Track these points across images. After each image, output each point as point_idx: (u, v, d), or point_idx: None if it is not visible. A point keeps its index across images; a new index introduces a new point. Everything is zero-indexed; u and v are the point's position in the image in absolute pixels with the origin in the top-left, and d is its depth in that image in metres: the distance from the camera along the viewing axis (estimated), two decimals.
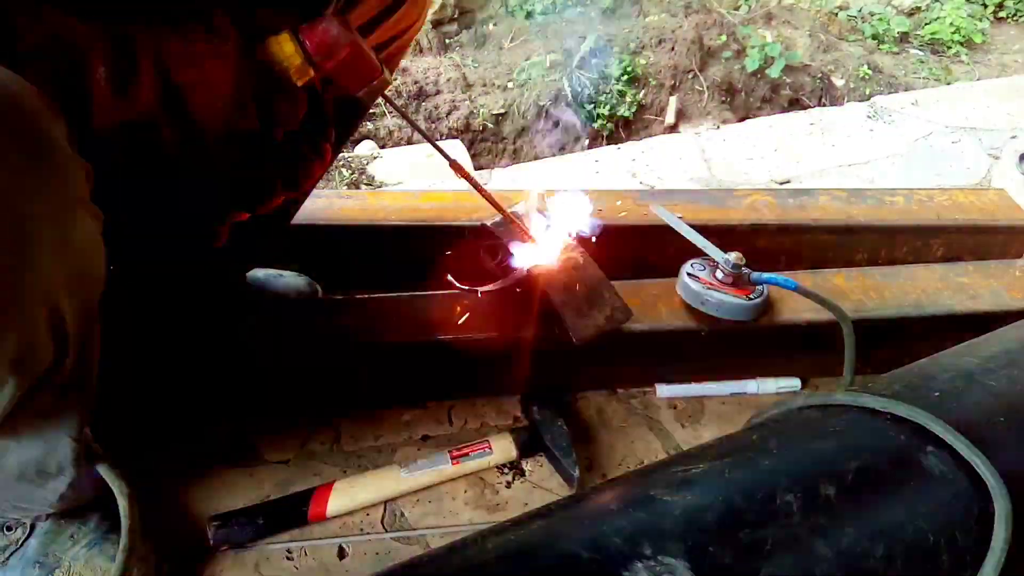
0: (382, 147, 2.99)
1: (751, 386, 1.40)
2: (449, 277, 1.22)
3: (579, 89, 3.40)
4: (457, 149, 2.81)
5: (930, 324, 1.36)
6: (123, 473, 0.93)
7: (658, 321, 1.30)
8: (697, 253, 1.32)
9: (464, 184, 1.00)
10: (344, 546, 1.12)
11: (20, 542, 0.96)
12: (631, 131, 3.53)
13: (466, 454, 1.21)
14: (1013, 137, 2.41)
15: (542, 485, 1.23)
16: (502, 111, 3.39)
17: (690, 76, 3.59)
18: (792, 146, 2.43)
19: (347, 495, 1.15)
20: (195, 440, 1.25)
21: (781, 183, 2.25)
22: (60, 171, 0.59)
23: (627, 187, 2.20)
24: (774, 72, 3.56)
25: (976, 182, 2.24)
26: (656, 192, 1.93)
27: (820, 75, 3.67)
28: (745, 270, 1.27)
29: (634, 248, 1.52)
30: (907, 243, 1.62)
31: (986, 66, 4.05)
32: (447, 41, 3.80)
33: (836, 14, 4.19)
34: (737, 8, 4.02)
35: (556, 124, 3.30)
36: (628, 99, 3.50)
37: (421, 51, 3.72)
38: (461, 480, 1.22)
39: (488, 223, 1.23)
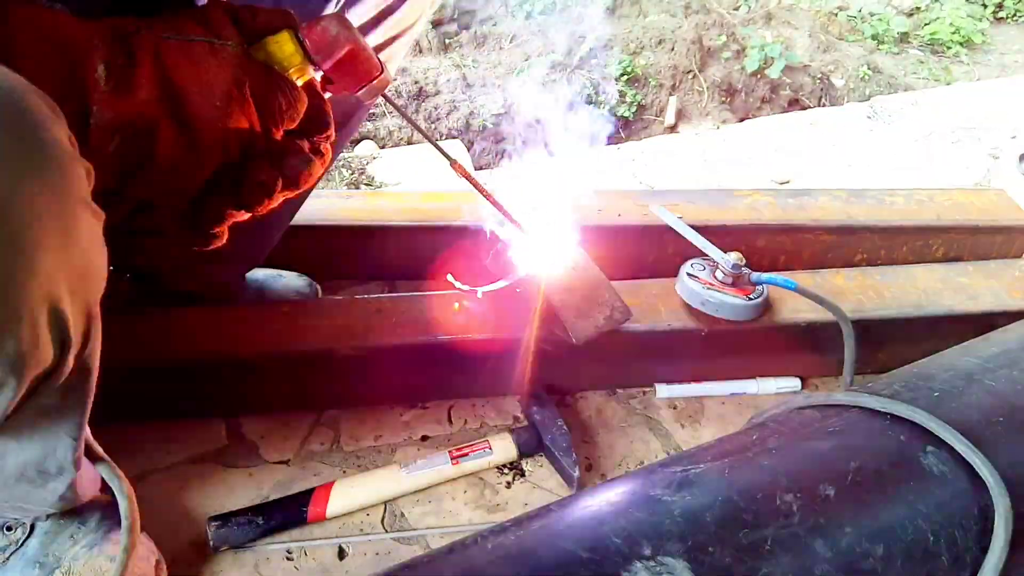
0: (382, 147, 2.99)
1: (751, 386, 1.40)
2: (449, 277, 1.22)
3: (578, 89, 3.40)
4: (457, 149, 2.81)
5: (930, 324, 1.37)
6: (123, 473, 0.93)
7: (658, 321, 1.30)
8: (697, 253, 1.32)
9: (464, 184, 1.00)
10: (344, 546, 1.13)
11: (20, 542, 0.96)
12: (631, 131, 3.53)
13: (466, 454, 1.21)
14: (1013, 137, 2.41)
15: (542, 485, 1.23)
16: (502, 111, 3.39)
17: (690, 76, 3.59)
18: (792, 146, 2.43)
19: (347, 495, 1.15)
20: (194, 440, 1.25)
21: (781, 183, 2.25)
22: (60, 170, 0.59)
23: (627, 187, 2.20)
24: (774, 72, 3.56)
25: (976, 182, 2.24)
26: (656, 192, 1.93)
27: (820, 75, 3.67)
28: (745, 270, 1.27)
29: (634, 248, 1.52)
30: (907, 243, 1.62)
31: (986, 66, 4.05)
32: (447, 41, 3.80)
33: (836, 14, 4.19)
34: (737, 8, 4.02)
35: (555, 125, 3.29)
36: (628, 99, 3.50)
37: (421, 51, 3.72)
38: (461, 480, 1.22)
39: (488, 223, 1.23)
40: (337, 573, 1.09)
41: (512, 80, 3.51)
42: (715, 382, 1.40)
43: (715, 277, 1.29)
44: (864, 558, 0.74)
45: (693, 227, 1.34)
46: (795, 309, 1.33)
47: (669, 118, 3.53)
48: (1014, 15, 4.51)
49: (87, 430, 0.85)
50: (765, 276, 1.27)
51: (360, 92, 0.81)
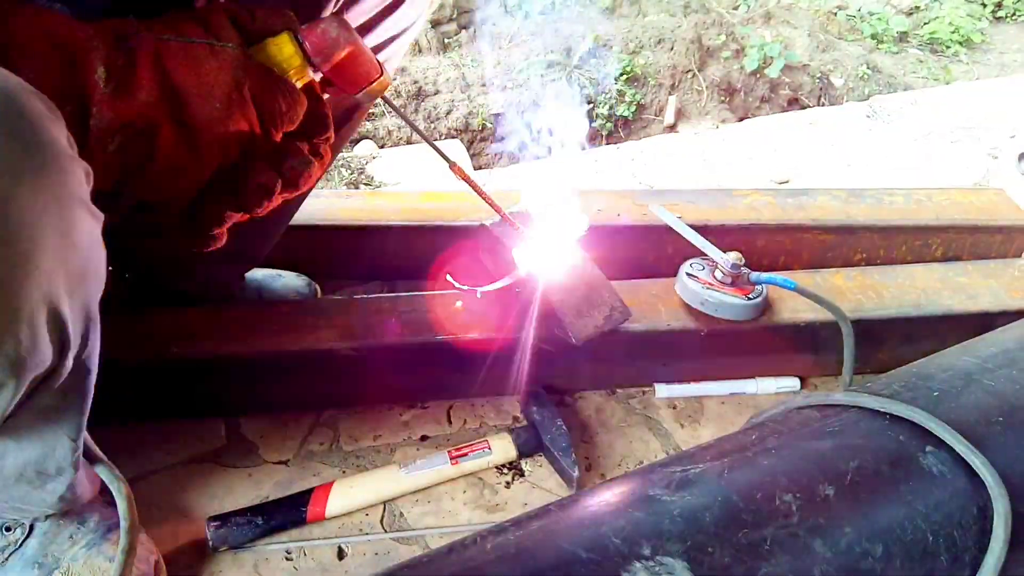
0: (381, 147, 3.00)
1: (750, 386, 1.40)
2: (449, 277, 1.22)
3: (578, 88, 3.40)
4: (456, 149, 2.81)
5: (929, 324, 1.37)
6: (122, 474, 0.93)
7: (657, 321, 1.30)
8: (696, 253, 1.32)
9: (464, 184, 1.00)
10: (343, 546, 1.13)
11: (19, 543, 0.96)
12: (630, 131, 3.53)
13: (465, 454, 1.21)
14: (1012, 137, 2.41)
15: (541, 485, 1.23)
16: (501, 111, 3.39)
17: (689, 76, 3.59)
18: (791, 146, 2.43)
19: (346, 495, 1.15)
20: (193, 440, 1.25)
21: (780, 183, 2.25)
22: (60, 171, 0.59)
23: (626, 187, 2.21)
24: (773, 72, 3.56)
25: (975, 182, 2.24)
26: (655, 192, 1.93)
27: (819, 75, 3.68)
28: (744, 270, 1.27)
29: (633, 248, 1.53)
30: (906, 243, 1.62)
31: (985, 66, 4.05)
32: (446, 41, 3.80)
33: (835, 13, 4.19)
34: (736, 8, 4.03)
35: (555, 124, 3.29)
36: (627, 99, 3.50)
37: (420, 51, 3.72)
38: (460, 480, 1.22)
39: (487, 223, 1.23)
40: (336, 573, 1.09)
41: (511, 80, 3.51)
42: (714, 382, 1.40)
43: (714, 277, 1.29)
44: (863, 558, 0.74)
45: (692, 227, 1.34)
46: (794, 309, 1.33)
47: (668, 117, 3.54)
48: (1013, 14, 4.51)
49: (86, 431, 0.85)
50: (764, 276, 1.27)
51: (359, 94, 0.81)
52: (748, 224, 1.55)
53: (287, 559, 1.10)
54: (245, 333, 1.25)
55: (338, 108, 0.85)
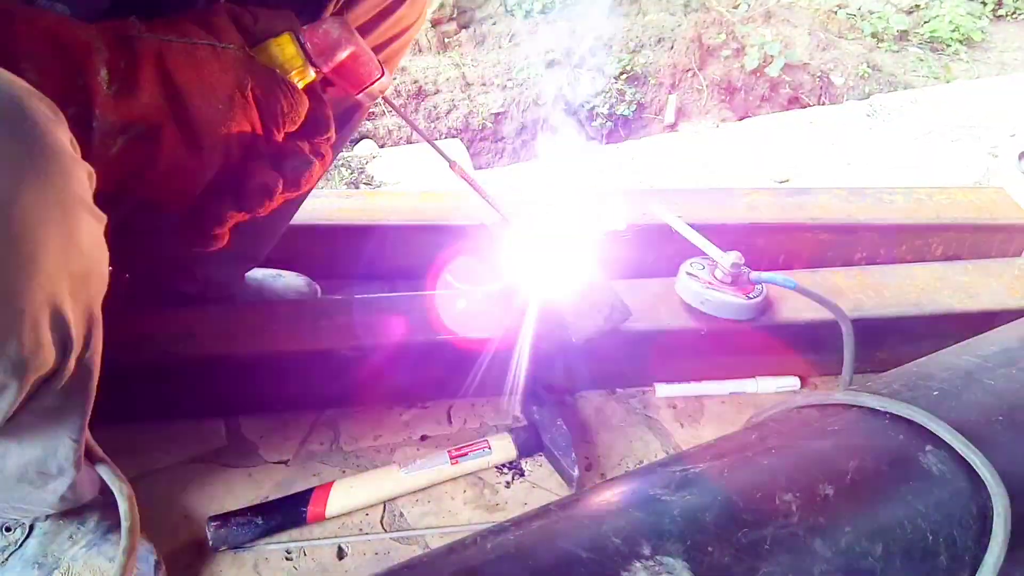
0: (381, 147, 3.00)
1: (750, 385, 1.40)
2: (449, 277, 1.22)
3: (578, 88, 3.40)
4: (456, 148, 2.81)
5: (929, 323, 1.37)
6: (123, 473, 0.93)
7: (657, 320, 1.30)
8: (696, 252, 1.32)
9: (464, 184, 1.00)
10: (343, 546, 1.13)
11: (19, 542, 0.96)
12: (630, 130, 3.53)
13: (465, 454, 1.21)
14: (1012, 136, 2.41)
15: (541, 485, 1.23)
16: (501, 110, 3.39)
17: (689, 75, 3.59)
18: (791, 145, 2.43)
19: (346, 495, 1.15)
20: (193, 440, 1.25)
21: (780, 182, 2.25)
22: (62, 173, 0.59)
23: (626, 186, 2.21)
24: (773, 70, 3.56)
25: (975, 181, 2.24)
26: (655, 191, 1.93)
27: (819, 73, 3.68)
28: (744, 269, 1.27)
29: (633, 247, 1.53)
30: (906, 242, 1.62)
31: (985, 64, 4.05)
32: (446, 40, 3.80)
33: (835, 12, 4.19)
34: (736, 6, 4.02)
35: (555, 123, 3.30)
36: (627, 98, 3.50)
37: (420, 50, 3.72)
38: (460, 480, 1.22)
39: (488, 223, 1.24)
40: (336, 573, 1.09)
41: (511, 79, 3.51)
42: (714, 381, 1.40)
43: (714, 276, 1.29)
44: (863, 557, 0.74)
45: (692, 226, 1.34)
46: (794, 308, 1.33)
47: (669, 116, 3.54)
48: (1013, 13, 4.51)
49: (87, 431, 0.85)
50: (764, 275, 1.27)
51: (360, 94, 0.82)
52: (748, 223, 1.55)
53: (287, 559, 1.10)
54: (245, 333, 1.25)
55: (338, 108, 0.85)
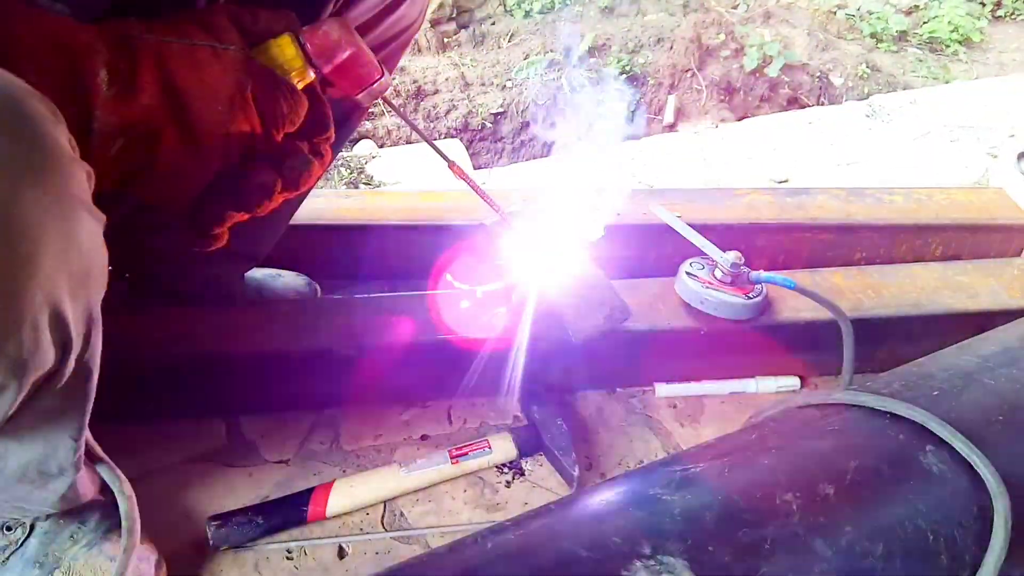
0: (381, 146, 3.00)
1: (750, 385, 1.40)
2: (449, 277, 1.22)
3: (578, 88, 3.40)
4: (455, 148, 2.81)
5: (929, 323, 1.37)
6: (123, 473, 0.93)
7: (657, 320, 1.30)
8: (696, 252, 1.32)
9: (463, 183, 1.00)
10: (344, 546, 1.13)
11: (20, 542, 0.96)
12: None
13: (465, 453, 1.21)
14: (1011, 136, 2.41)
15: (542, 484, 1.23)
16: (500, 110, 3.39)
17: (688, 75, 3.59)
18: (791, 145, 2.43)
19: (347, 495, 1.15)
20: (194, 439, 1.25)
21: (780, 182, 2.25)
22: (61, 173, 0.59)
23: (626, 186, 2.20)
24: (772, 71, 3.56)
25: (975, 181, 2.24)
26: (655, 191, 1.93)
27: (818, 74, 3.68)
28: (744, 269, 1.27)
29: (633, 247, 1.53)
30: (906, 242, 1.62)
31: (984, 65, 4.05)
32: (445, 40, 3.80)
33: (834, 13, 4.19)
34: (735, 7, 4.02)
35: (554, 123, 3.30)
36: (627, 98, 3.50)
37: (419, 50, 3.72)
38: (461, 479, 1.22)
39: (488, 223, 1.23)
40: (337, 572, 1.09)
41: (511, 79, 3.51)
42: (714, 381, 1.40)
43: (714, 276, 1.29)
44: (864, 557, 0.74)
45: (692, 226, 1.34)
46: (794, 308, 1.33)
47: (668, 117, 3.54)
48: (1012, 13, 4.51)
49: (87, 431, 0.85)
50: (764, 275, 1.27)
51: (360, 95, 0.82)
52: (748, 223, 1.55)
53: (288, 558, 1.10)
54: (245, 333, 1.25)
55: (337, 108, 0.85)
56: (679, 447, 1.31)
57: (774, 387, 1.41)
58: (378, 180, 2.35)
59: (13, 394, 0.64)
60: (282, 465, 1.23)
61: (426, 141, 0.98)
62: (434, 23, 3.79)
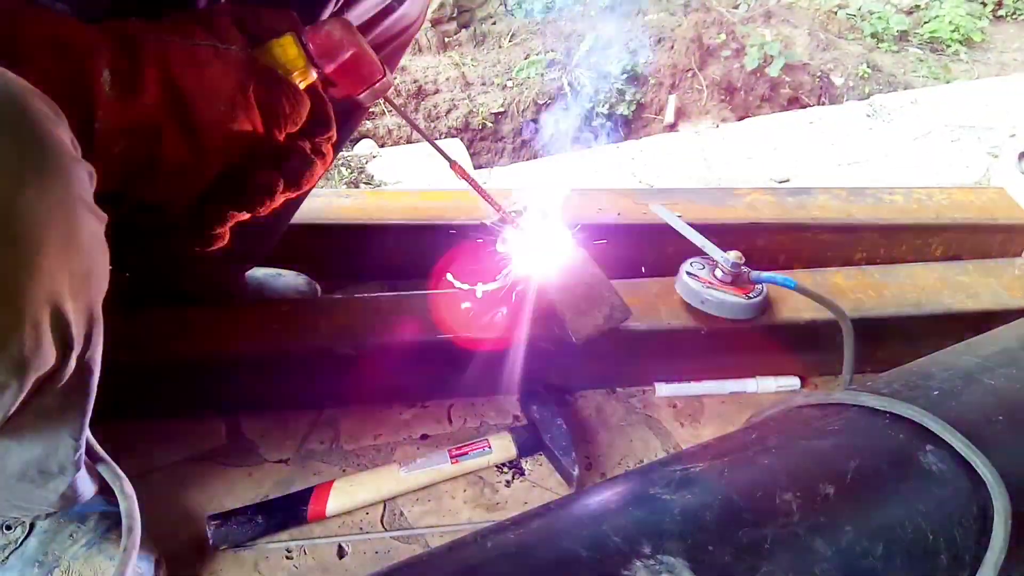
0: (381, 146, 3.00)
1: (750, 385, 1.40)
2: (449, 276, 1.22)
3: (578, 88, 3.40)
4: (456, 148, 2.81)
5: (929, 323, 1.37)
6: (124, 473, 0.93)
7: (657, 320, 1.30)
8: (696, 252, 1.32)
9: (464, 183, 1.00)
10: (343, 545, 1.13)
11: (19, 541, 0.96)
12: (630, 130, 3.53)
13: (465, 453, 1.21)
14: (1012, 136, 2.41)
15: (541, 484, 1.23)
16: (501, 110, 3.39)
17: (689, 75, 3.59)
18: (791, 145, 2.43)
19: (346, 494, 1.15)
20: (194, 439, 1.25)
21: (780, 182, 2.25)
22: (63, 173, 0.59)
23: (626, 186, 2.20)
24: (773, 71, 3.56)
25: (975, 181, 2.24)
26: (655, 191, 1.93)
27: (819, 74, 3.68)
28: (744, 269, 1.27)
29: (633, 247, 1.53)
30: (906, 242, 1.62)
31: (985, 64, 4.05)
32: (446, 40, 3.80)
33: (835, 12, 4.19)
34: (736, 7, 4.02)
35: (554, 123, 3.31)
36: (627, 98, 3.50)
37: (420, 50, 3.72)
38: (460, 479, 1.22)
39: (488, 222, 1.23)
40: (337, 572, 1.09)
41: (511, 79, 3.50)
42: (715, 381, 1.40)
43: (715, 276, 1.29)
44: (864, 557, 0.74)
45: (692, 226, 1.34)
46: (795, 308, 1.33)
47: (669, 116, 3.54)
48: (1013, 13, 4.51)
49: (88, 430, 0.85)
50: (764, 275, 1.27)
51: (362, 95, 0.82)
52: (748, 223, 1.55)
53: (287, 557, 1.10)
54: (245, 332, 1.25)
55: (339, 107, 0.85)
56: (679, 447, 1.31)
57: (774, 387, 1.41)
58: (379, 179, 2.35)
59: (14, 393, 0.64)
60: (282, 464, 1.23)
61: (428, 141, 0.98)
62: (435, 22, 3.79)
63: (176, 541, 1.10)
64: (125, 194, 0.71)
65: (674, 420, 1.36)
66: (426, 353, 1.27)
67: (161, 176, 0.70)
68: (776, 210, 1.59)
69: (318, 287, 1.50)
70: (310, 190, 1.25)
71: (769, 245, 1.57)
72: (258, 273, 1.44)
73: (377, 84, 0.81)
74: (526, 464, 1.26)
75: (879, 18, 4.16)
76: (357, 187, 2.33)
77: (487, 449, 1.22)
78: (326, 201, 1.56)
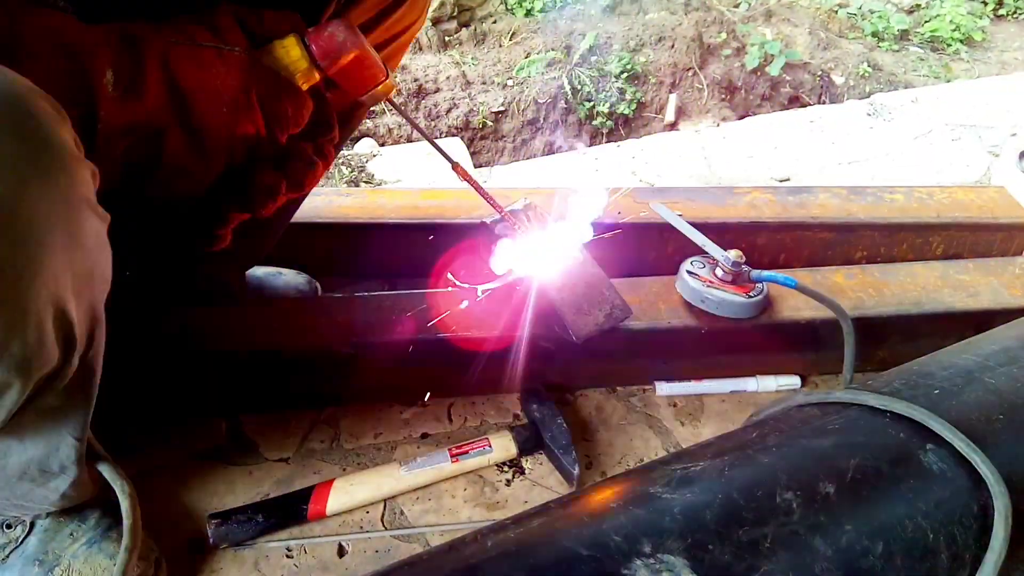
0: (382, 145, 2.99)
1: (751, 384, 1.40)
2: (449, 276, 1.22)
3: (579, 87, 3.40)
4: (457, 147, 2.81)
5: (930, 322, 1.37)
6: (124, 472, 0.94)
7: (658, 319, 1.30)
8: (697, 251, 1.32)
9: (464, 182, 1.00)
10: (344, 544, 1.13)
11: (20, 540, 0.96)
12: (631, 129, 3.53)
13: (465, 452, 1.21)
14: (1013, 135, 2.41)
15: (542, 483, 1.23)
16: (502, 109, 3.39)
17: (690, 74, 3.59)
18: (792, 144, 2.43)
19: (347, 493, 1.15)
20: (194, 437, 1.25)
21: (781, 181, 2.25)
22: (66, 172, 0.59)
23: (627, 185, 2.20)
24: (774, 70, 3.56)
25: (976, 180, 2.24)
26: (656, 190, 1.93)
27: (820, 73, 3.67)
28: (745, 268, 1.27)
29: (634, 246, 1.53)
30: (907, 240, 1.62)
31: (986, 63, 4.05)
32: (447, 39, 3.79)
33: (836, 11, 4.18)
34: (737, 6, 4.02)
35: (555, 122, 3.31)
36: (628, 97, 3.50)
37: (421, 49, 3.71)
38: (461, 478, 1.22)
39: (488, 221, 1.24)
40: (337, 570, 1.09)
41: (512, 78, 3.50)
42: (715, 380, 1.40)
43: (715, 275, 1.29)
44: (864, 556, 0.74)
45: (693, 224, 1.34)
46: (795, 307, 1.33)
47: (669, 115, 3.53)
48: (1014, 12, 4.50)
49: (89, 429, 0.85)
50: (765, 274, 1.27)
51: (364, 96, 0.82)
52: (749, 222, 1.55)
53: (288, 556, 1.10)
54: (246, 331, 1.25)
55: (340, 107, 0.85)
56: (679, 445, 1.31)
57: (774, 386, 1.41)
58: (379, 178, 2.35)
59: (17, 392, 0.64)
60: (282, 463, 1.24)
61: (429, 141, 0.98)
62: (435, 21, 3.79)
63: (177, 540, 1.10)
64: (128, 194, 0.71)
65: (674, 419, 1.36)
66: (426, 352, 1.27)
67: (163, 177, 0.70)
68: (776, 209, 1.59)
69: (318, 286, 1.50)
70: (311, 189, 1.26)
71: (769, 244, 1.57)
72: (258, 272, 1.45)
73: (380, 86, 0.82)
74: (526, 463, 1.26)
75: (880, 17, 4.16)
76: (357, 186, 2.33)
77: (487, 448, 1.22)
78: (326, 200, 1.56)
